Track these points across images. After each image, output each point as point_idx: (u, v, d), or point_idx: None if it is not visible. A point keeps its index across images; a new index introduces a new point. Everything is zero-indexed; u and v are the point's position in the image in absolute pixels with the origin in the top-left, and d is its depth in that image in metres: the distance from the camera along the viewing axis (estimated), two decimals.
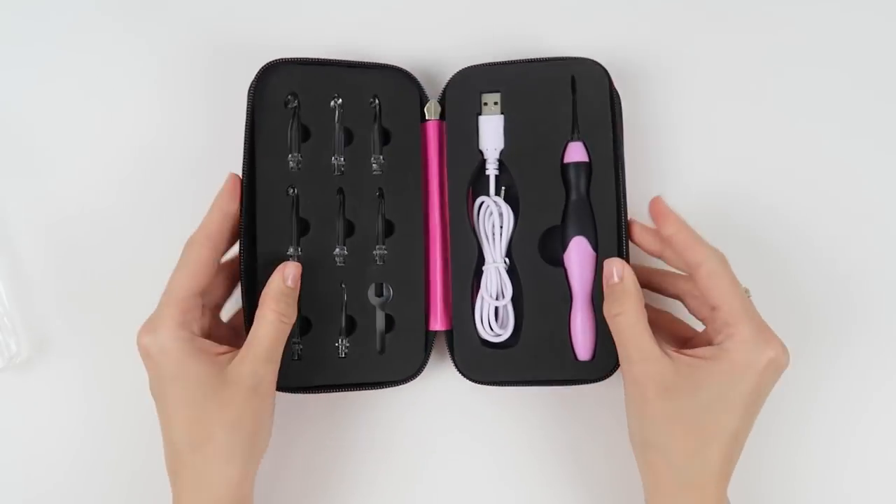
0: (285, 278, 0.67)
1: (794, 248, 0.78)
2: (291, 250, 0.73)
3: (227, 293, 0.73)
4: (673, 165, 0.78)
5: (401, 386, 0.73)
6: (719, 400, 0.64)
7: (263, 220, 0.73)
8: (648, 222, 0.72)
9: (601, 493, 0.75)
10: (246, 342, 0.65)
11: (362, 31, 0.79)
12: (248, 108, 0.73)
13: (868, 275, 0.78)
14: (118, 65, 0.79)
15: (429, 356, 0.74)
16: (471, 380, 0.74)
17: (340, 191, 0.74)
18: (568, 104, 0.75)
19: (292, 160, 0.74)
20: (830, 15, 0.80)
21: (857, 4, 0.80)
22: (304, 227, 0.74)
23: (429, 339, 0.74)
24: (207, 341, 0.66)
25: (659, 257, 0.71)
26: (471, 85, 0.75)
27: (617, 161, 0.74)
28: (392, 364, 0.73)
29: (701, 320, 0.71)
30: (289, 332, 0.67)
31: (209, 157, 0.77)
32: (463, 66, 0.75)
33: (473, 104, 0.75)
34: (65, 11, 0.79)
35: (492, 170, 0.74)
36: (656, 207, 0.70)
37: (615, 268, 0.68)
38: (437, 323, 0.74)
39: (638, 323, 0.66)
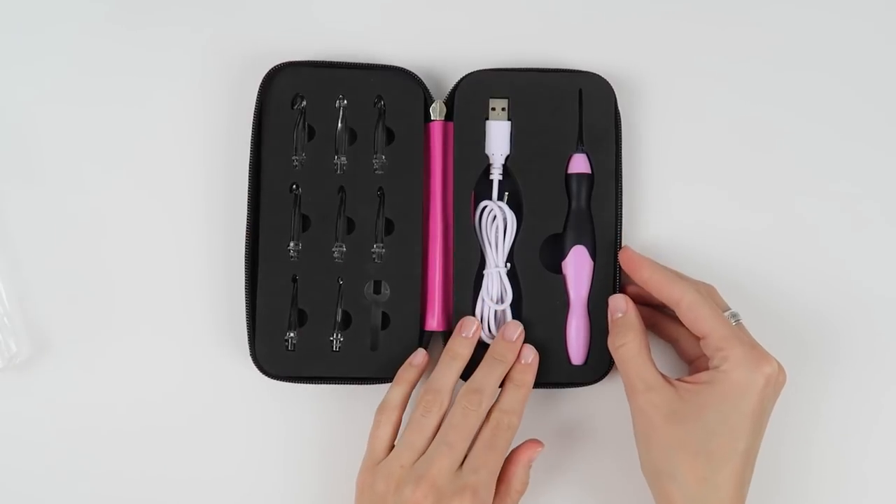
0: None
1: (783, 262, 0.78)
2: (292, 245, 0.74)
3: None
4: (660, 182, 0.79)
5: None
6: (724, 422, 0.64)
7: (266, 217, 0.75)
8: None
9: (595, 492, 0.75)
10: None
11: (368, 34, 0.79)
12: (255, 108, 0.75)
13: (857, 293, 0.78)
14: (122, 68, 0.79)
15: None
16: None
17: (341, 189, 0.75)
18: (574, 116, 0.76)
19: (297, 159, 0.75)
20: (823, 37, 0.81)
21: (852, 29, 0.81)
22: (305, 224, 0.75)
23: (423, 338, 0.75)
24: None
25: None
26: (480, 89, 0.76)
27: (617, 175, 0.76)
28: (384, 361, 0.73)
29: (688, 363, 0.73)
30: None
31: (213, 158, 0.78)
32: (465, 70, 0.76)
33: (482, 108, 0.76)
34: (73, 18, 0.80)
35: (496, 175, 0.75)
36: (625, 257, 0.73)
37: (619, 304, 0.71)
38: (435, 323, 0.75)
39: (640, 354, 0.68)
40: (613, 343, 0.69)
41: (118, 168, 0.78)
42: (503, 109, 0.75)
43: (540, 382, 0.73)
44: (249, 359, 0.73)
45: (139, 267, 0.77)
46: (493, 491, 0.67)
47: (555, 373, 0.74)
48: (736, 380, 0.64)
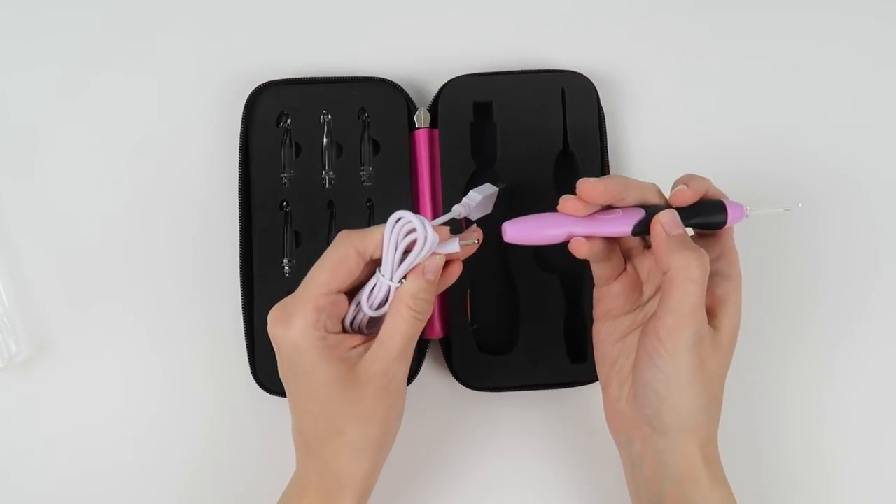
0: (426, 272, 0.62)
1: (763, 245, 0.79)
2: (286, 262, 0.75)
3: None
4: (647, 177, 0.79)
5: None
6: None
7: (259, 235, 0.75)
8: None
9: (596, 492, 0.76)
10: (378, 339, 0.62)
11: (348, 48, 0.80)
12: (241, 129, 0.76)
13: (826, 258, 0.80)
14: (119, 80, 0.80)
15: (421, 364, 0.75)
16: (469, 387, 0.75)
17: (331, 203, 0.75)
18: (558, 116, 0.76)
19: (285, 176, 0.75)
20: (802, 33, 0.83)
21: (830, 26, 0.83)
22: (298, 240, 0.76)
23: (422, 347, 0.75)
24: (340, 336, 0.62)
25: None
26: (463, 94, 0.76)
27: (604, 173, 0.76)
28: None
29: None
30: (423, 327, 0.63)
31: (208, 166, 0.78)
32: (447, 77, 0.76)
33: (466, 112, 0.76)
34: (72, 29, 0.80)
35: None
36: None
37: (676, 217, 0.62)
38: (433, 331, 0.75)
39: (706, 283, 0.61)
40: (683, 261, 0.60)
41: (117, 174, 0.79)
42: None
43: (540, 383, 0.75)
44: (250, 374, 0.74)
45: (138, 269, 0.77)
46: None
47: (556, 372, 0.75)
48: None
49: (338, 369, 0.61)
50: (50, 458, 0.76)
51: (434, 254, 0.61)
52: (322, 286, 0.61)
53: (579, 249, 0.63)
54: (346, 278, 0.61)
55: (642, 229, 0.62)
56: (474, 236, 0.63)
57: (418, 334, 0.63)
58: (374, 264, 0.62)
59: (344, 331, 0.64)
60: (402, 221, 0.60)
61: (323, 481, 0.63)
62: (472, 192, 0.66)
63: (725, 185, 0.78)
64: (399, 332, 0.61)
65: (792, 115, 0.81)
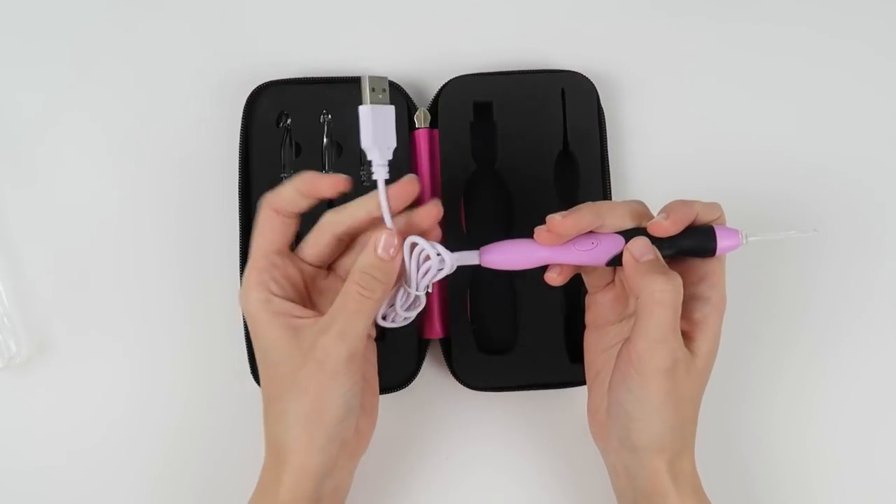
0: (376, 247, 0.61)
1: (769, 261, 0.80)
2: None
3: (335, 254, 0.67)
4: (648, 178, 0.80)
5: (393, 394, 0.74)
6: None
7: None
8: None
9: (595, 492, 0.76)
10: (328, 313, 0.61)
11: (348, 47, 0.80)
12: (241, 129, 0.76)
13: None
14: (119, 80, 0.80)
15: (421, 364, 0.75)
16: (469, 387, 0.75)
17: (330, 203, 0.74)
18: (558, 116, 0.76)
19: (285, 177, 0.75)
20: (806, 30, 0.83)
21: (835, 21, 0.83)
22: (298, 241, 0.74)
23: (422, 347, 0.75)
24: (288, 304, 0.62)
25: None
26: (463, 94, 0.76)
27: (604, 172, 0.76)
28: (384, 372, 0.72)
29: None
30: (375, 308, 0.61)
31: (208, 166, 0.78)
32: (447, 77, 0.76)
33: (466, 112, 0.76)
34: (70, 28, 0.81)
35: (381, 174, 0.63)
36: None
37: (648, 246, 0.61)
38: (433, 331, 0.75)
39: (680, 308, 0.60)
40: (654, 286, 0.59)
41: (116, 174, 0.78)
42: (384, 91, 0.63)
43: (540, 383, 0.75)
44: (250, 374, 0.74)
45: (138, 268, 0.77)
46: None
47: (556, 372, 0.75)
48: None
49: (280, 334, 0.61)
50: (50, 458, 0.75)
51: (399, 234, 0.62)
52: (255, 249, 0.63)
53: (553, 281, 0.65)
54: (277, 238, 0.63)
55: (618, 261, 0.62)
56: (434, 210, 0.64)
57: (367, 316, 0.60)
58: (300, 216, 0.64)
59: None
60: (419, 248, 0.62)
61: (272, 450, 0.64)
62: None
63: (726, 187, 0.78)
64: (341, 307, 0.60)
65: (795, 116, 0.81)
